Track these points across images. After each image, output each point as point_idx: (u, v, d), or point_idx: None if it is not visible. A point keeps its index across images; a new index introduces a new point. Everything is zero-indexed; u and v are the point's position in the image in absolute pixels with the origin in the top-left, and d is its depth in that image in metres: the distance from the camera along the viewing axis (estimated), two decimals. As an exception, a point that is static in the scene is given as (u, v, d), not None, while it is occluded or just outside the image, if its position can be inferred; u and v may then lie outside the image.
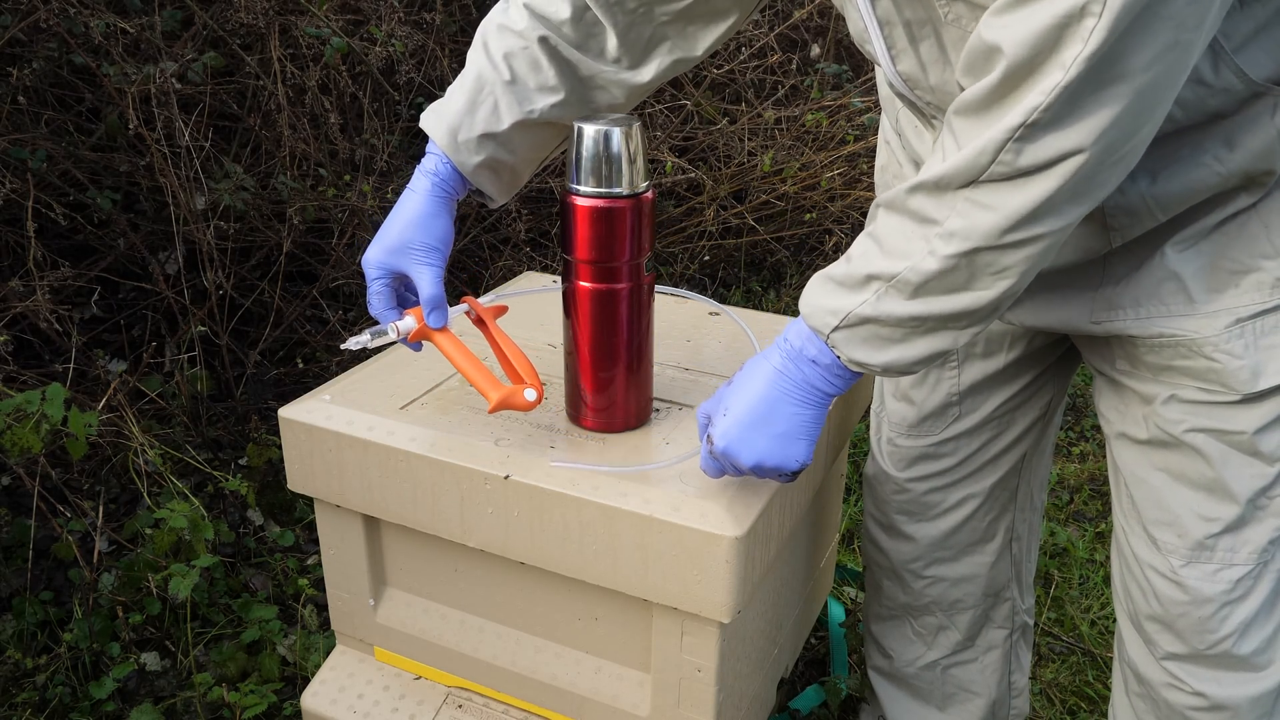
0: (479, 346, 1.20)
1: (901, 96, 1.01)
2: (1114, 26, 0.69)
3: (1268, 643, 1.07)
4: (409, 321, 1.08)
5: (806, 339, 0.93)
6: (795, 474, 0.97)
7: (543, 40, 1.08)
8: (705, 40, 1.13)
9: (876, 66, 1.20)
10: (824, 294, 0.92)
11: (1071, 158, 0.76)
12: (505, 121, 1.08)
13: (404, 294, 1.12)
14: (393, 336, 1.07)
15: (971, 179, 0.80)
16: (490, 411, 1.07)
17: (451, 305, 1.12)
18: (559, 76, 1.09)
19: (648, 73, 1.13)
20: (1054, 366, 1.26)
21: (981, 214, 0.80)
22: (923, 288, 0.85)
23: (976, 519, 1.34)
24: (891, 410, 1.34)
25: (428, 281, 1.06)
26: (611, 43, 1.10)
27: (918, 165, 1.14)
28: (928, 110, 1.01)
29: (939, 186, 0.82)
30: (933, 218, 0.83)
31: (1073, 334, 1.11)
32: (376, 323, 1.10)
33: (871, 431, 1.41)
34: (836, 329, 0.90)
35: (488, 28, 1.11)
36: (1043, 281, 1.05)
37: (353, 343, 1.07)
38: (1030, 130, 0.75)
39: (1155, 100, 0.76)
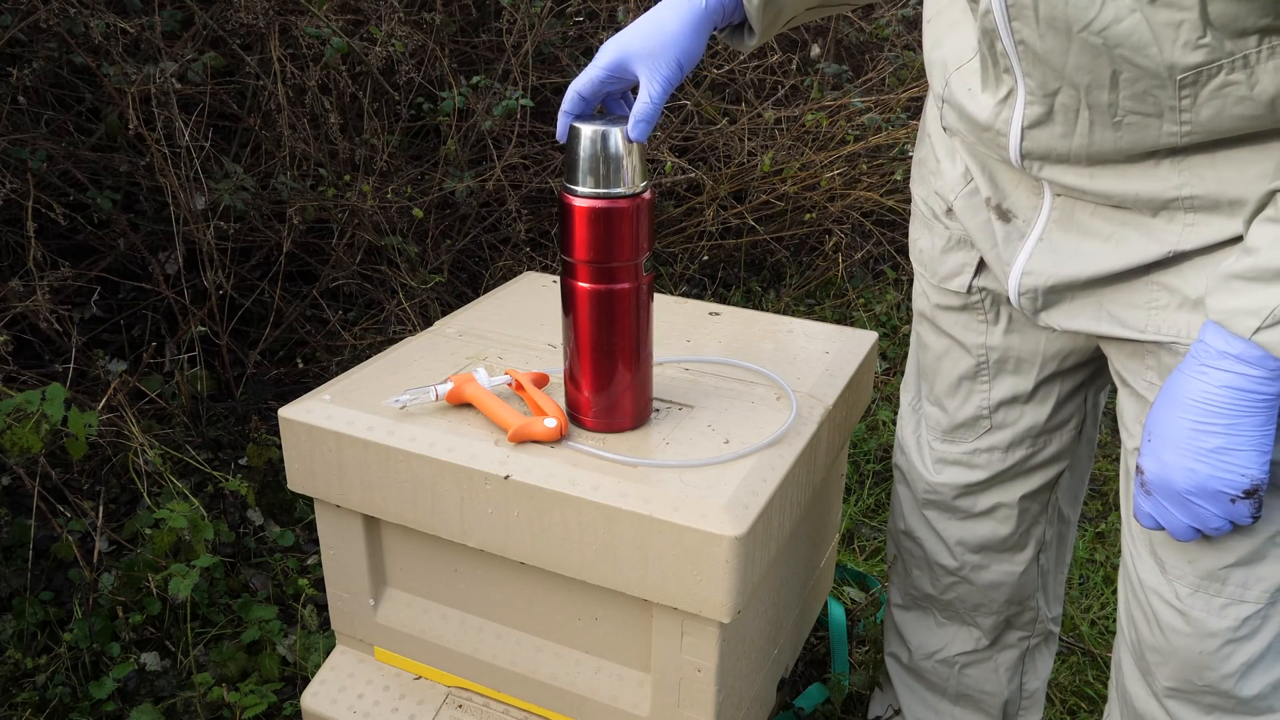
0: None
1: (984, 35, 0.93)
2: None
3: (1273, 688, 1.02)
4: (447, 386, 1.17)
5: (1227, 341, 0.85)
6: (1250, 495, 0.88)
7: None
8: None
9: (925, 20, 1.10)
10: (1232, 295, 0.84)
11: None
12: None
13: (611, 100, 1.07)
14: (431, 398, 1.16)
15: None
16: (510, 439, 1.10)
17: (494, 376, 1.20)
18: None
19: None
20: (1086, 387, 1.24)
21: None
22: None
23: (1008, 527, 1.31)
24: (928, 413, 1.33)
25: (656, 90, 1.00)
26: None
27: (958, 134, 1.07)
28: (1002, 60, 0.93)
29: None
30: None
31: (1110, 340, 1.05)
32: (417, 386, 1.18)
33: (906, 427, 1.38)
34: (1260, 330, 0.82)
35: None
36: (1098, 285, 1.01)
37: (392, 401, 1.16)
38: None
39: None
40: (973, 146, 1.07)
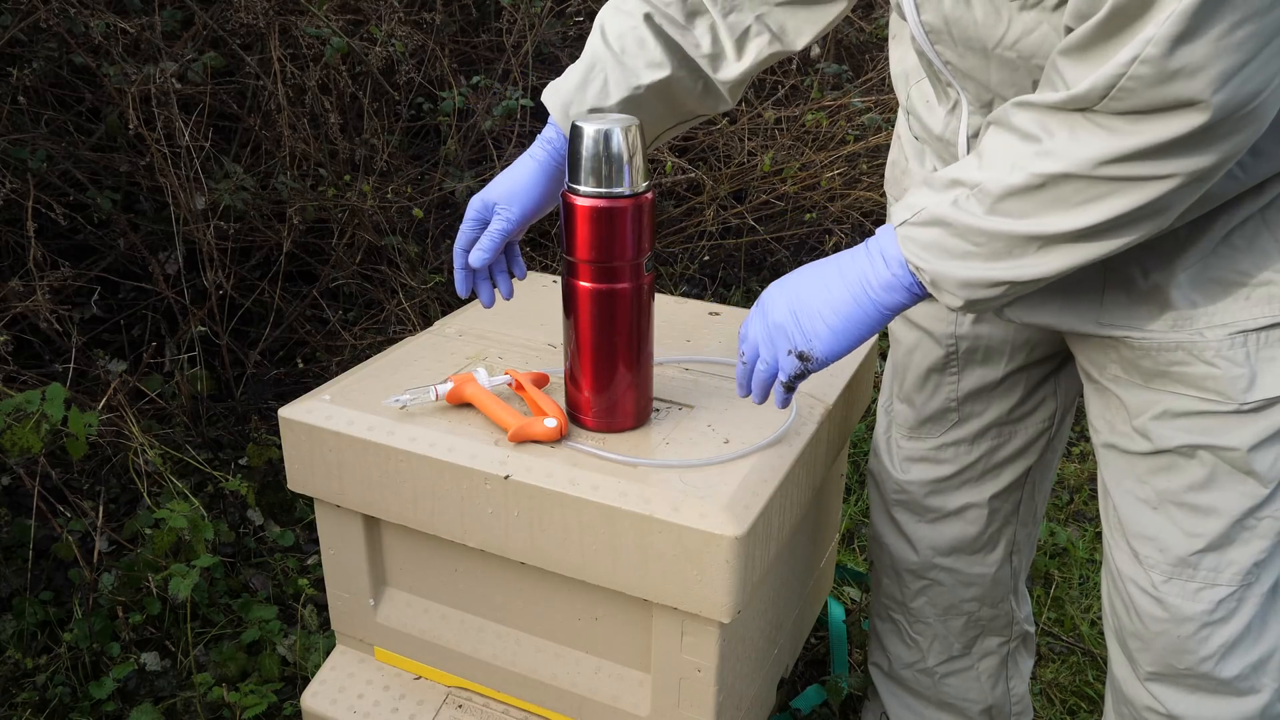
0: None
1: (920, 55, 0.99)
2: None
3: (1253, 668, 1.04)
4: (447, 386, 1.17)
5: (886, 233, 0.94)
6: (803, 360, 0.97)
7: (647, 17, 1.11)
8: (807, 33, 1.13)
9: (890, 35, 1.16)
10: (913, 194, 0.92)
11: (1191, 105, 0.73)
12: (613, 97, 1.11)
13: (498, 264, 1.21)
14: (431, 398, 1.16)
15: (1086, 106, 0.78)
16: (510, 439, 1.10)
17: (494, 376, 1.20)
18: (664, 53, 1.11)
19: (745, 63, 1.14)
20: (1055, 379, 1.25)
21: (1090, 135, 0.78)
22: (1001, 202, 0.84)
23: (978, 527, 1.33)
24: (896, 411, 1.35)
25: (495, 230, 1.14)
26: (710, 31, 1.12)
27: (926, 141, 1.12)
28: (942, 76, 0.98)
29: (1048, 106, 0.81)
30: (1035, 135, 0.82)
31: (1072, 334, 1.09)
32: (418, 385, 1.20)
33: (879, 428, 1.40)
34: (905, 223, 0.90)
35: (605, 12, 1.14)
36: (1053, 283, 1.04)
37: (392, 401, 1.16)
38: (1144, 64, 0.72)
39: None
40: (939, 152, 1.11)
